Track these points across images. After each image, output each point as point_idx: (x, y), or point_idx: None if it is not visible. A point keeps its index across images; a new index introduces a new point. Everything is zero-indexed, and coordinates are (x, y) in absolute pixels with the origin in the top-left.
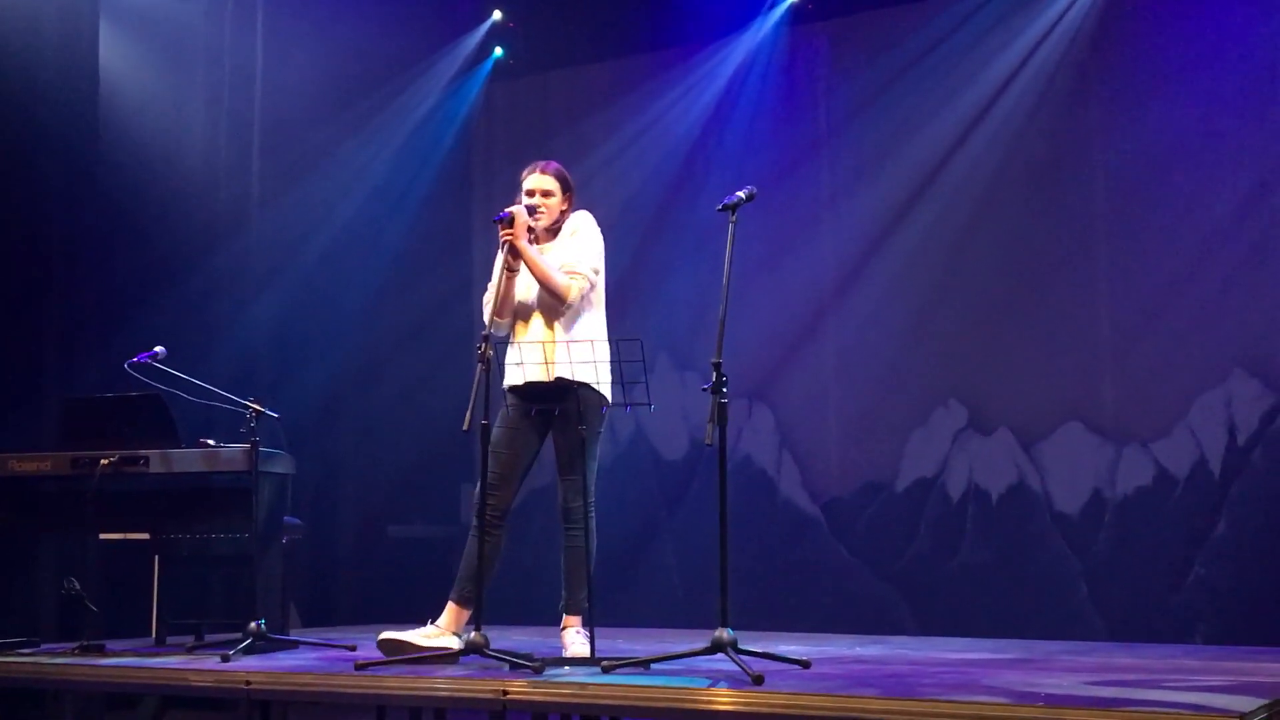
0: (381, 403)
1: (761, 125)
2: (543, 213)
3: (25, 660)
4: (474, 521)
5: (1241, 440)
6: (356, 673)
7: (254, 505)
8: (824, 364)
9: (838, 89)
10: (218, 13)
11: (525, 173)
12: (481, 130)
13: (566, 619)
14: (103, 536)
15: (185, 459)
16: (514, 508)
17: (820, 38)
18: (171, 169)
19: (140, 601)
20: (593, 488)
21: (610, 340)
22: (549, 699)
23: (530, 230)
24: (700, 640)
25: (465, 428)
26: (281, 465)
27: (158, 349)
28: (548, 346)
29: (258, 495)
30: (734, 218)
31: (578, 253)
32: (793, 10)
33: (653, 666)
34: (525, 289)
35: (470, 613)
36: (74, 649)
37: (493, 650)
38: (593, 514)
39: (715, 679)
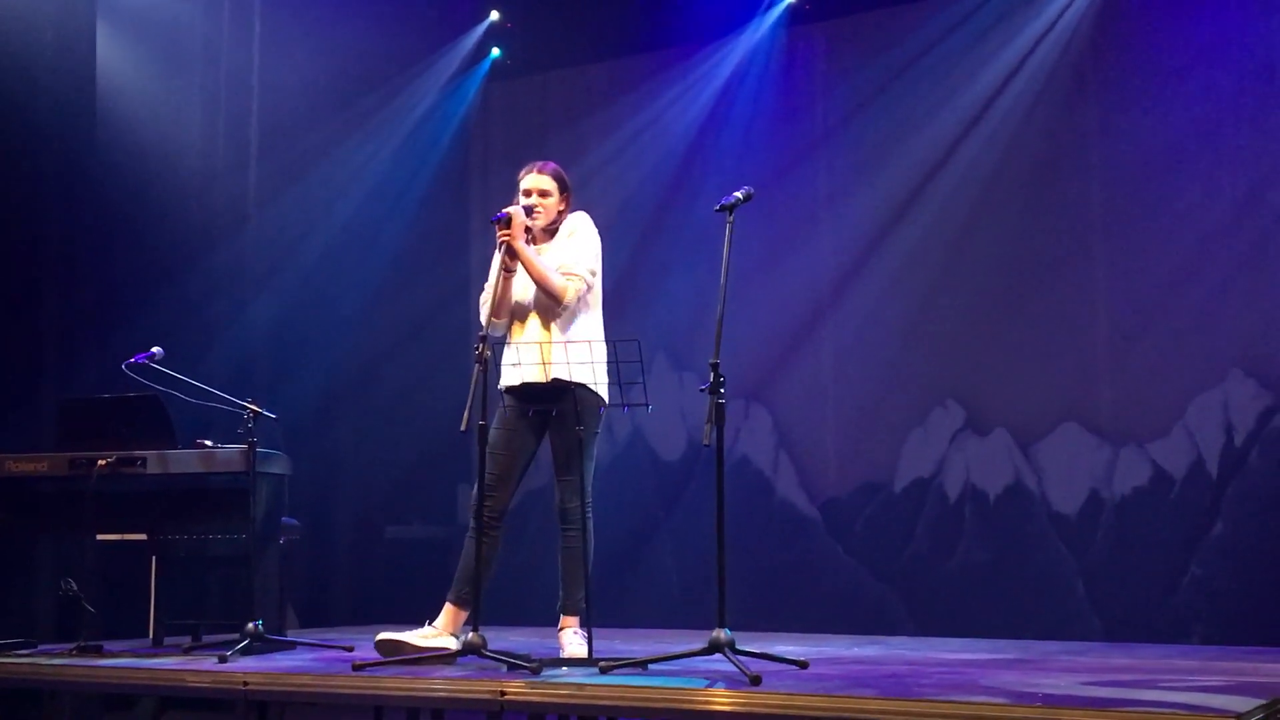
0: (379, 403)
1: (759, 126)
2: (540, 213)
3: (23, 661)
4: (471, 522)
5: (1239, 440)
6: (354, 673)
7: (251, 506)
8: (822, 364)
9: (835, 89)
10: (215, 13)
11: (523, 173)
12: (479, 130)
13: (564, 620)
14: (100, 537)
15: (182, 460)
16: (511, 508)
17: (818, 38)
18: (169, 169)
19: (138, 602)
20: (590, 488)
21: (607, 341)
22: (546, 700)
23: (528, 231)
24: (698, 641)
25: (463, 428)
26: (279, 466)
27: (155, 350)
28: (545, 347)
29: (255, 496)
30: (731, 218)
31: (575, 254)
32: (790, 11)
33: (650, 667)
34: (522, 290)
35: (468, 613)
36: (71, 649)
37: (490, 651)
38: (590, 515)
39: (713, 679)
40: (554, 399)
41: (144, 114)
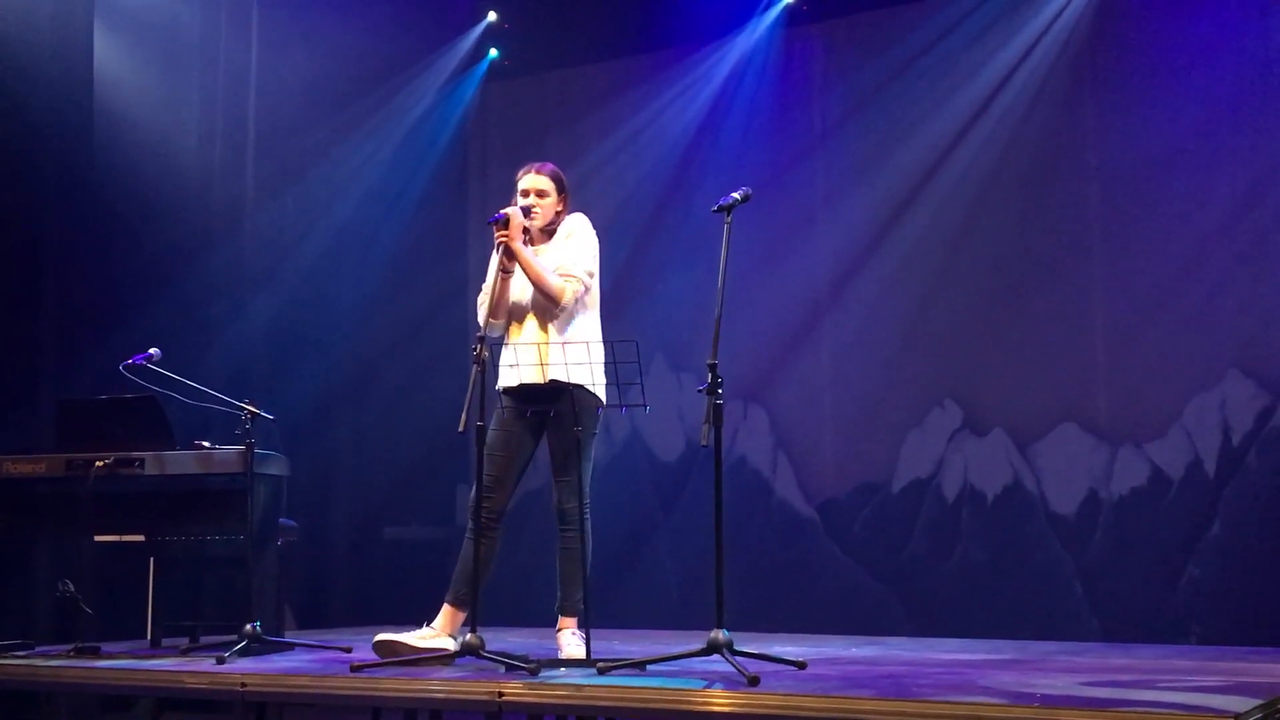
0: (377, 404)
1: (757, 126)
2: (537, 213)
3: (20, 662)
4: (469, 523)
5: (1236, 441)
6: (352, 674)
7: (249, 507)
8: (819, 365)
9: (833, 90)
10: (213, 14)
11: (520, 173)
12: (477, 131)
13: (562, 620)
14: (98, 538)
15: (180, 461)
16: (509, 509)
17: (815, 39)
18: (166, 170)
19: (135, 603)
20: (588, 489)
21: (605, 342)
22: (544, 700)
23: (525, 232)
24: (696, 641)
25: (461, 429)
26: (276, 467)
27: (153, 351)
28: (542, 348)
29: (253, 497)
30: (729, 219)
31: (572, 255)
32: (788, 12)
33: (648, 668)
34: (520, 290)
35: (466, 615)
36: (69, 651)
37: (488, 652)
38: (588, 515)
39: (711, 680)
40: (552, 400)
41: (142, 114)
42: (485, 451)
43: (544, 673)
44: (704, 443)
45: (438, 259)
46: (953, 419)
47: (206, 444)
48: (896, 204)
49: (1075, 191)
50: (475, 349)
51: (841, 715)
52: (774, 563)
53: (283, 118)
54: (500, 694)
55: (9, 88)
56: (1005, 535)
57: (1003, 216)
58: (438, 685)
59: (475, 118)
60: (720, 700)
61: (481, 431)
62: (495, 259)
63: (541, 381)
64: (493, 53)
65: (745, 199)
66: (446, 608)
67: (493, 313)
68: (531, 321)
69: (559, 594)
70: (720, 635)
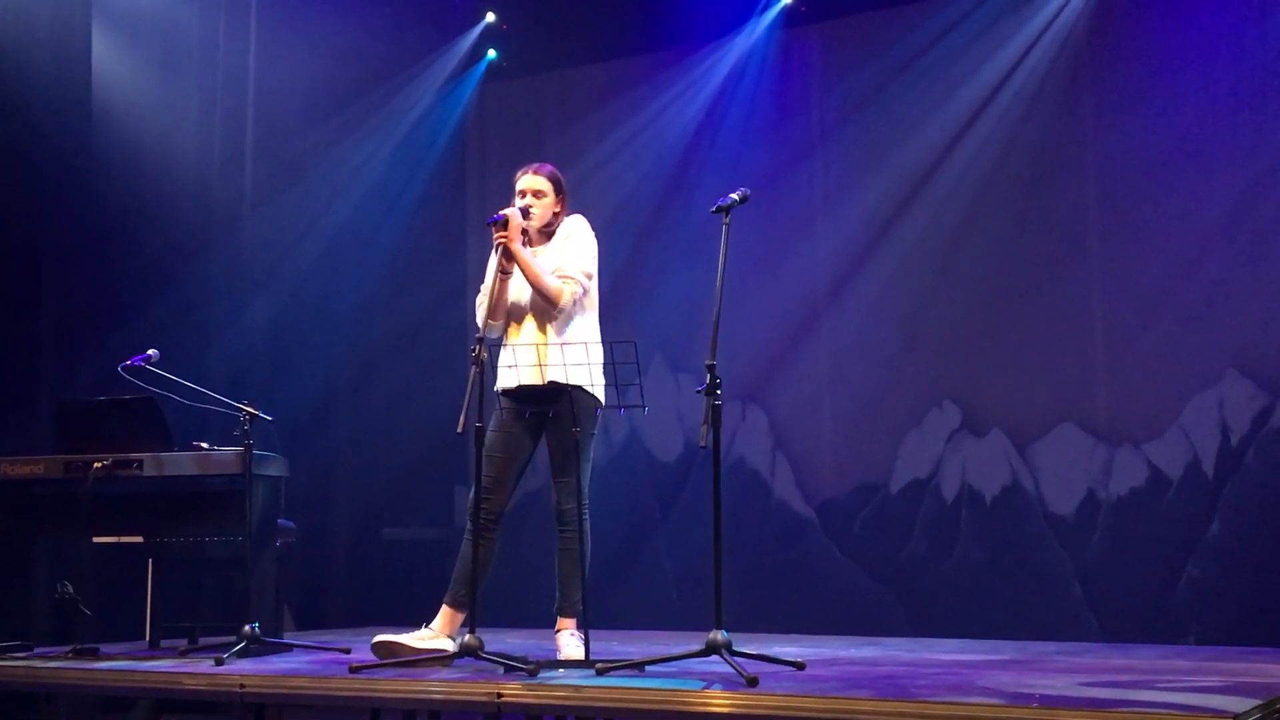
0: (376, 405)
1: (755, 127)
2: (535, 212)
3: (18, 664)
4: (468, 524)
5: (1234, 441)
6: (351, 676)
7: (248, 508)
8: (818, 365)
9: (831, 91)
10: (211, 14)
11: (519, 174)
12: (475, 133)
13: (561, 621)
14: (96, 540)
15: (179, 462)
16: (508, 510)
17: (813, 40)
18: (165, 171)
19: (134, 605)
20: (587, 490)
21: (604, 343)
22: (543, 701)
23: (524, 233)
24: (695, 642)
25: (460, 430)
26: (275, 468)
27: (151, 352)
28: (541, 349)
29: (251, 498)
30: (727, 220)
31: (571, 257)
32: (785, 13)
33: (647, 669)
34: (518, 291)
35: (464, 615)
36: (68, 652)
37: (487, 653)
38: (587, 516)
39: (710, 681)
40: (550, 401)
41: (140, 115)
42: (484, 452)
43: (543, 674)
44: (703, 443)
45: (436, 260)
46: (951, 419)
47: (205, 445)
48: (895, 205)
49: (1074, 192)
50: (474, 350)
51: (840, 716)
52: (773, 563)
53: (281, 118)
54: (499, 695)
55: (8, 89)
56: (1004, 536)
57: (1001, 217)
58: (436, 686)
59: (474, 119)
60: (719, 701)
61: (480, 432)
62: (494, 260)
63: (540, 383)
64: (491, 54)
65: (744, 200)
66: (445, 609)
67: (491, 314)
68: (530, 323)
69: (558, 595)
70: (719, 636)
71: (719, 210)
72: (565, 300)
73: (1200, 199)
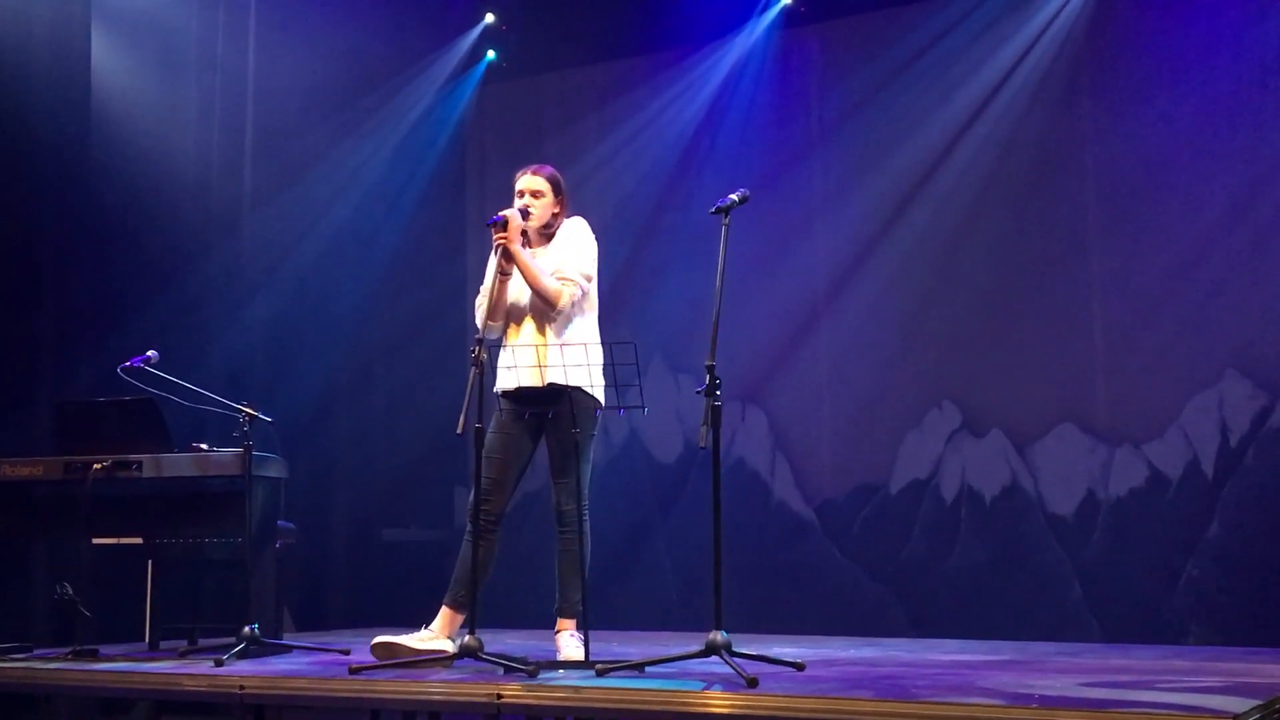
0: (375, 406)
1: (755, 128)
2: (533, 213)
3: (18, 665)
4: (468, 525)
5: (1234, 441)
6: (350, 677)
7: (247, 509)
8: (818, 366)
9: (830, 91)
10: (210, 16)
11: (518, 174)
12: (475, 133)
13: (561, 622)
14: (96, 541)
15: (178, 463)
16: (508, 511)
17: (812, 40)
18: (165, 172)
19: (133, 606)
20: (586, 491)
21: (603, 344)
22: (543, 702)
23: (524, 234)
24: (695, 643)
25: (459, 431)
26: (275, 469)
27: (151, 353)
28: (540, 350)
29: (251, 499)
30: (727, 220)
31: (570, 258)
32: (785, 13)
33: (647, 670)
34: (518, 293)
35: (464, 616)
36: (67, 654)
37: (487, 654)
38: (587, 517)
39: (710, 682)
40: (550, 402)
41: (139, 116)
42: (484, 454)
43: (542, 674)
44: (702, 444)
45: (436, 260)
46: (951, 420)
47: (204, 446)
48: (894, 206)
49: (1073, 192)
50: (474, 351)
51: (840, 716)
52: (772, 564)
53: (281, 118)
54: (499, 696)
55: (7, 90)
56: (1004, 536)
57: (1001, 217)
58: (436, 687)
59: (473, 119)
60: (719, 702)
61: (480, 433)
62: (493, 261)
63: (539, 384)
64: (490, 54)
65: (743, 200)
66: (445, 610)
67: (491, 315)
68: (529, 324)
69: (558, 596)
70: (719, 637)
71: (718, 211)
72: (564, 302)
73: (1200, 199)
